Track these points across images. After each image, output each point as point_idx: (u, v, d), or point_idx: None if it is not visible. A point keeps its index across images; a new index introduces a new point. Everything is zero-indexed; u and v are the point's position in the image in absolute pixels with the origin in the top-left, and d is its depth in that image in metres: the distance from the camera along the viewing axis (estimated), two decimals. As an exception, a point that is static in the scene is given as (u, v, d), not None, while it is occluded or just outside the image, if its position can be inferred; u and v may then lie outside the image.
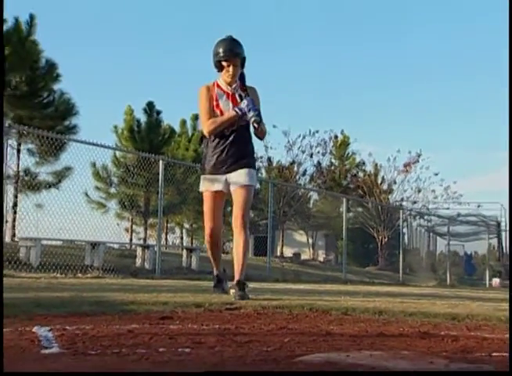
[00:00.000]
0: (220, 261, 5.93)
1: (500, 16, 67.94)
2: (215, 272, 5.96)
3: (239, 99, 5.35)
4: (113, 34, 68.49)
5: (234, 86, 5.37)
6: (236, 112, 5.24)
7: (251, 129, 5.51)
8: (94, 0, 70.58)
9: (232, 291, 5.38)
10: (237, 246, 5.56)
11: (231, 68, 5.28)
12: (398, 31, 69.63)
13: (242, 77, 5.45)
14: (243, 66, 5.42)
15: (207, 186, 5.48)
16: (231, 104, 5.37)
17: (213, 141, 5.44)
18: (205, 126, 5.41)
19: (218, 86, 5.45)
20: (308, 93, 67.80)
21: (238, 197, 5.45)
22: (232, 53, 5.27)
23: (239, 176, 5.43)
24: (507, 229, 29.16)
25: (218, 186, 5.44)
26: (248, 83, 5.49)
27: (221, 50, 5.26)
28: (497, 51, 69.21)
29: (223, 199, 5.64)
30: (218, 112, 5.37)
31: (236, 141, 5.42)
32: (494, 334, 3.42)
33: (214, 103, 5.38)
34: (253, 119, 5.20)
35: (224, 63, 5.29)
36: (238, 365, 2.07)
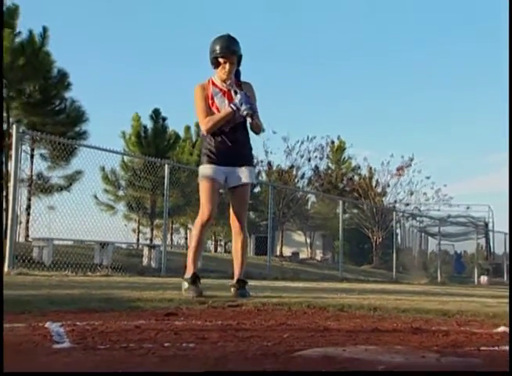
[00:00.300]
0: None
1: (491, 26, 68.21)
2: (193, 270, 5.23)
3: (234, 95, 5.17)
4: (122, 44, 68.51)
5: (229, 82, 5.20)
6: (232, 108, 5.07)
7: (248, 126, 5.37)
8: (103, 11, 70.57)
9: (232, 289, 5.27)
10: (237, 245, 5.39)
11: (227, 65, 5.12)
12: (393, 41, 69.68)
13: (237, 74, 5.29)
14: (239, 63, 5.26)
15: (208, 174, 5.21)
16: (226, 101, 5.19)
17: (213, 136, 5.24)
18: (203, 124, 5.21)
19: (214, 84, 5.26)
20: (307, 101, 67.85)
21: (238, 196, 5.32)
22: (229, 50, 5.11)
23: (239, 173, 5.27)
24: (499, 229, 29.21)
25: (218, 177, 5.21)
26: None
27: (218, 47, 5.10)
28: (489, 59, 69.42)
29: (220, 189, 5.41)
30: (215, 110, 5.20)
31: (236, 138, 5.28)
32: (482, 329, 3.42)
33: (210, 102, 5.21)
34: (245, 112, 5.04)
35: (220, 60, 5.12)
36: (240, 359, 2.07)
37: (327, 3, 65.95)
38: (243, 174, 5.27)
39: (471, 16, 70.68)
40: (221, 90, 5.23)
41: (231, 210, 5.33)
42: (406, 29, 69.86)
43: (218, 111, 5.18)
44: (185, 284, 5.08)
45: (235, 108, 5.05)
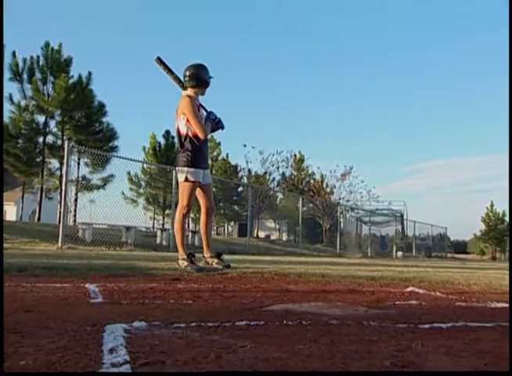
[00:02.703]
0: None
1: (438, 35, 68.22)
2: (186, 252, 4.63)
3: (204, 111, 4.71)
4: (144, 83, 67.86)
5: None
6: (211, 122, 4.64)
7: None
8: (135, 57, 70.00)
9: (214, 261, 4.71)
10: (207, 226, 4.87)
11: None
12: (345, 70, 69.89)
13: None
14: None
15: (195, 178, 4.60)
16: (204, 113, 4.70)
17: (197, 143, 4.63)
18: (202, 131, 4.54)
19: (195, 98, 4.68)
20: (278, 124, 68.11)
21: (210, 192, 4.84)
22: (200, 80, 4.69)
23: (209, 175, 4.85)
24: (410, 218, 29.50)
25: (200, 179, 4.65)
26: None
27: (208, 73, 4.72)
28: (430, 79, 69.88)
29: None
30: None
31: (207, 146, 4.86)
32: (397, 289, 3.44)
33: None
34: (224, 127, 4.78)
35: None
36: (224, 312, 2.06)
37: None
38: (209, 174, 4.88)
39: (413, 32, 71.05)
40: (200, 104, 4.74)
41: (203, 199, 4.80)
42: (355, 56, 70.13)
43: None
44: (185, 263, 4.52)
45: (213, 123, 4.68)
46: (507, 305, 2.62)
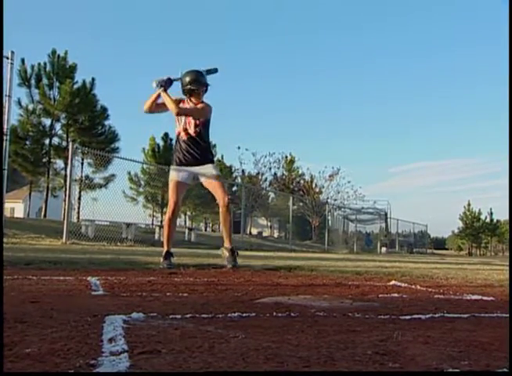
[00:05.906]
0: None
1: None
2: (166, 249, 4.41)
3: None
4: (142, 86, 67.74)
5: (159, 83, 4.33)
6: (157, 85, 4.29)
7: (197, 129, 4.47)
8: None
9: (225, 254, 4.47)
10: (225, 221, 4.54)
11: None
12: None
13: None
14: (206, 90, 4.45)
15: (174, 176, 4.44)
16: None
17: (182, 140, 4.44)
18: (173, 107, 4.33)
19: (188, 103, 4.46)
20: (269, 127, 68.37)
21: (216, 186, 4.43)
22: (200, 83, 4.41)
23: (208, 169, 4.45)
24: (394, 217, 29.58)
25: (176, 177, 4.43)
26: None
27: (188, 80, 4.39)
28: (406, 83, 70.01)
29: (186, 186, 4.51)
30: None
31: (198, 142, 4.43)
32: (381, 283, 3.45)
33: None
34: (154, 84, 4.32)
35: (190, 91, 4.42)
36: (218, 304, 2.05)
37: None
38: (212, 169, 4.49)
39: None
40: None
41: (214, 195, 4.47)
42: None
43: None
44: (161, 259, 4.37)
45: (154, 85, 4.32)
46: (482, 297, 2.64)
